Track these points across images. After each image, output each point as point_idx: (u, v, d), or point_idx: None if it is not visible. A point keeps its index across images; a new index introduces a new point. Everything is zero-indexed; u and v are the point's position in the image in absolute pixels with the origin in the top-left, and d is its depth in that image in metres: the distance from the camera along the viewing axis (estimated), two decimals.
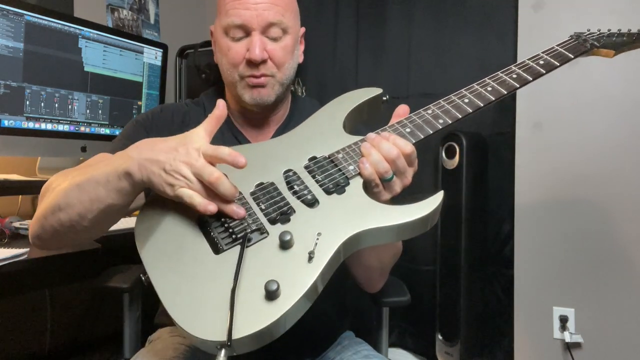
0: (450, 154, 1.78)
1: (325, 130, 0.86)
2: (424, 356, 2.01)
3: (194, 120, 1.00)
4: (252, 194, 0.77)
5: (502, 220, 1.87)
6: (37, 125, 1.55)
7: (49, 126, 1.58)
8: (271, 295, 0.64)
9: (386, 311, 1.14)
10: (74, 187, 0.74)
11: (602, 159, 1.65)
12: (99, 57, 1.70)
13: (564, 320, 1.69)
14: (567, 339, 1.66)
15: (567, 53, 0.94)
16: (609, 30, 1.03)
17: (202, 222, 0.74)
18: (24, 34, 1.47)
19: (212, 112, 0.74)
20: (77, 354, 1.90)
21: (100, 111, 1.73)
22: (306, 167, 0.80)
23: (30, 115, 1.52)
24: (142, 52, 1.86)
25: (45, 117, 1.56)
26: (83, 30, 1.64)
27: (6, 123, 1.47)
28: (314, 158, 0.81)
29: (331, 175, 0.77)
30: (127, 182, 0.71)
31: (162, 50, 1.95)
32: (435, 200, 0.74)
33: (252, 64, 0.92)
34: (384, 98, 0.91)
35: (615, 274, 1.63)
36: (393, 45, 2.06)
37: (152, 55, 1.91)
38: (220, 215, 0.73)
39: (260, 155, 0.83)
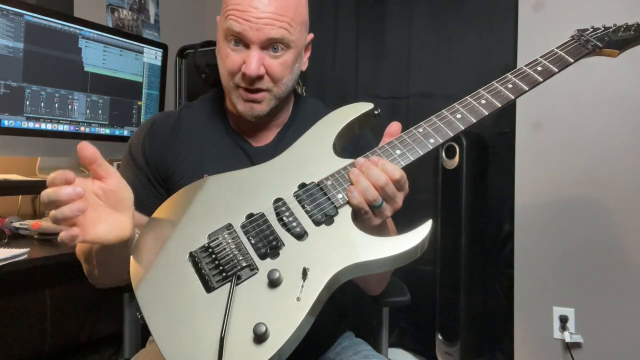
0: (450, 154, 1.78)
1: (315, 153, 0.84)
2: (424, 356, 2.01)
3: (185, 124, 0.99)
4: (242, 226, 0.76)
5: (502, 220, 1.87)
6: (37, 125, 1.55)
7: (49, 126, 1.58)
8: (260, 338, 0.64)
9: (386, 311, 1.14)
10: (83, 261, 0.87)
11: (602, 159, 1.65)
12: (99, 57, 1.70)
13: (564, 320, 1.69)
14: (567, 339, 1.66)
15: (567, 57, 0.89)
16: (614, 25, 0.97)
17: (194, 258, 0.74)
18: (24, 34, 1.47)
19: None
20: (77, 354, 1.90)
21: (100, 111, 1.73)
22: (296, 196, 0.78)
23: (30, 115, 1.52)
24: (142, 52, 1.86)
25: (45, 117, 1.56)
26: (83, 30, 1.64)
27: (6, 123, 1.47)
28: (303, 185, 0.79)
29: (320, 204, 0.76)
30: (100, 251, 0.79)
31: (162, 50, 1.95)
32: (424, 230, 0.72)
33: (247, 78, 0.89)
34: (376, 112, 0.87)
35: (615, 274, 1.63)
36: (393, 45, 2.07)
37: (152, 55, 1.91)
38: (210, 251, 0.74)
39: (252, 182, 0.82)
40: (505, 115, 1.84)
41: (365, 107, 0.87)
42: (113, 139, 1.78)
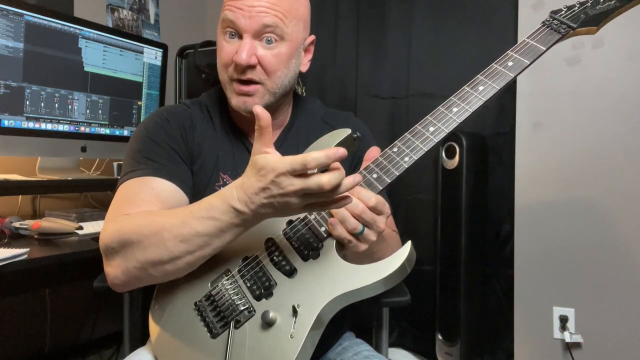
0: (450, 154, 1.78)
1: None
2: (424, 356, 2.01)
3: (198, 124, 0.97)
4: (239, 271, 0.80)
5: (502, 220, 1.87)
6: (37, 125, 1.55)
7: (49, 126, 1.58)
8: None
9: (386, 311, 1.14)
10: (178, 243, 0.73)
11: (602, 159, 1.65)
12: (99, 57, 1.70)
13: (564, 320, 1.69)
14: (567, 339, 1.66)
15: (538, 46, 0.84)
16: None
17: (198, 307, 0.80)
18: (24, 34, 1.47)
19: (257, 125, 0.69)
20: (77, 354, 1.90)
21: (100, 111, 1.73)
22: (284, 234, 0.80)
23: (30, 115, 1.52)
24: (142, 52, 1.86)
25: (45, 117, 1.56)
26: (83, 30, 1.64)
27: (6, 123, 1.47)
28: (290, 222, 0.81)
29: (307, 240, 0.78)
30: (242, 229, 0.72)
31: (162, 50, 1.95)
32: (403, 253, 0.73)
33: (239, 67, 0.88)
34: (355, 136, 0.82)
35: (615, 274, 1.63)
36: (393, 45, 2.06)
37: (152, 55, 1.91)
38: (212, 299, 0.79)
39: None
40: (505, 115, 1.84)
41: (343, 133, 0.83)
42: (113, 139, 1.79)
